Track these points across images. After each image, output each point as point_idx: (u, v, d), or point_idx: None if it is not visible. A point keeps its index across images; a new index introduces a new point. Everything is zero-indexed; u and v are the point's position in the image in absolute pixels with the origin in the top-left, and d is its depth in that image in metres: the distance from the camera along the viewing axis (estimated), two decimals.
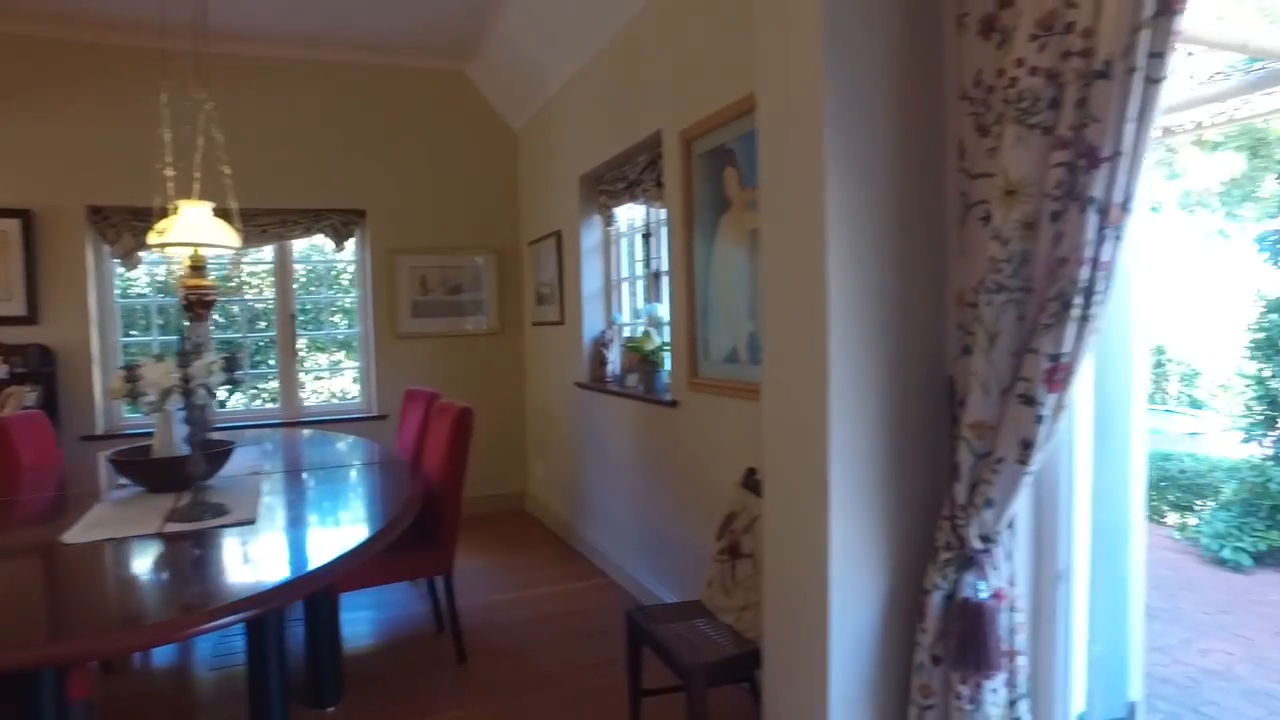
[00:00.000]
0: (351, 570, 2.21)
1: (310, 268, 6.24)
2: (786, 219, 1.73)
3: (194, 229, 3.01)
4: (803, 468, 1.69)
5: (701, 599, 2.48)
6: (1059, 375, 1.38)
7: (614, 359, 4.36)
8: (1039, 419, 1.41)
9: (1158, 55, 1.23)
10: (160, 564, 1.98)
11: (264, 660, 2.24)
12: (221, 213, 3.22)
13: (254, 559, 2.02)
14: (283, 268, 5.39)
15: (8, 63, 4.56)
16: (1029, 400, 1.42)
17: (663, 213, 3.62)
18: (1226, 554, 4.47)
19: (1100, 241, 1.33)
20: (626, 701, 2.49)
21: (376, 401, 5.47)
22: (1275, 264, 4.76)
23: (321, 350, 7.38)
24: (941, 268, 1.68)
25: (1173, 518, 5.30)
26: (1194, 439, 6.28)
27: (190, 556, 2.03)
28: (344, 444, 3.97)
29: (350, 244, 5.46)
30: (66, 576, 1.93)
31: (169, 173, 3.09)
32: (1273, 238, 4.78)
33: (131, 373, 2.43)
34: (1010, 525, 1.57)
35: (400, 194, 5.43)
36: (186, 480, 2.37)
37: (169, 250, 3.15)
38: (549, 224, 5.03)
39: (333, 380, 6.89)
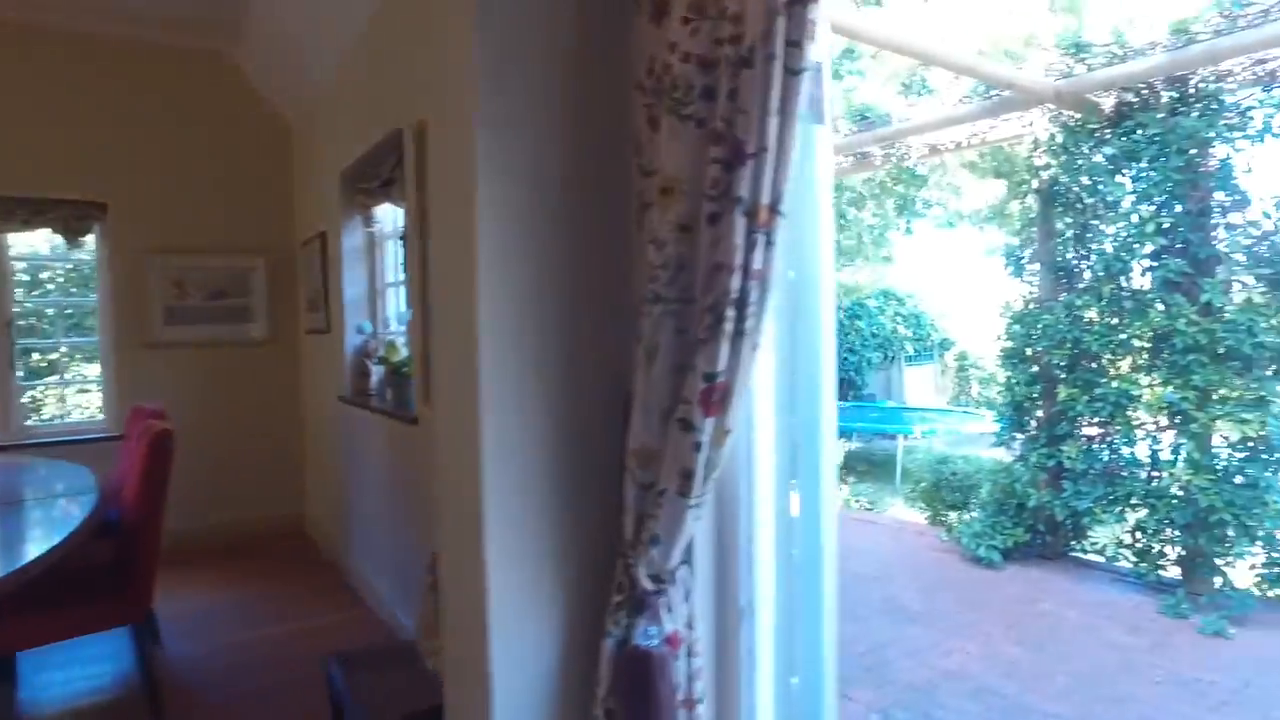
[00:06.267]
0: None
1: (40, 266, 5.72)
2: (443, 227, 1.63)
3: None
4: (460, 493, 1.56)
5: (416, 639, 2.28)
6: (715, 396, 1.31)
7: (378, 371, 4.14)
8: (697, 446, 1.33)
9: (795, 44, 1.20)
10: None
11: None
12: None
13: None
14: None
15: None
16: (687, 425, 1.33)
17: None
18: (981, 552, 4.73)
19: (750, 247, 1.27)
20: None
21: (120, 420, 4.52)
22: (1017, 277, 5.28)
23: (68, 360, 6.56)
24: (624, 274, 1.53)
25: (954, 517, 5.67)
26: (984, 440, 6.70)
27: None
28: (46, 471, 3.47)
29: (89, 241, 4.84)
30: None
31: None
32: (1015, 253, 5.33)
33: None
34: (688, 562, 1.50)
35: (152, 187, 4.85)
36: None
37: None
38: (316, 224, 4.74)
39: (80, 395, 6.14)
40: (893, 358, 16.67)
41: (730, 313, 1.32)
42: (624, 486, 1.49)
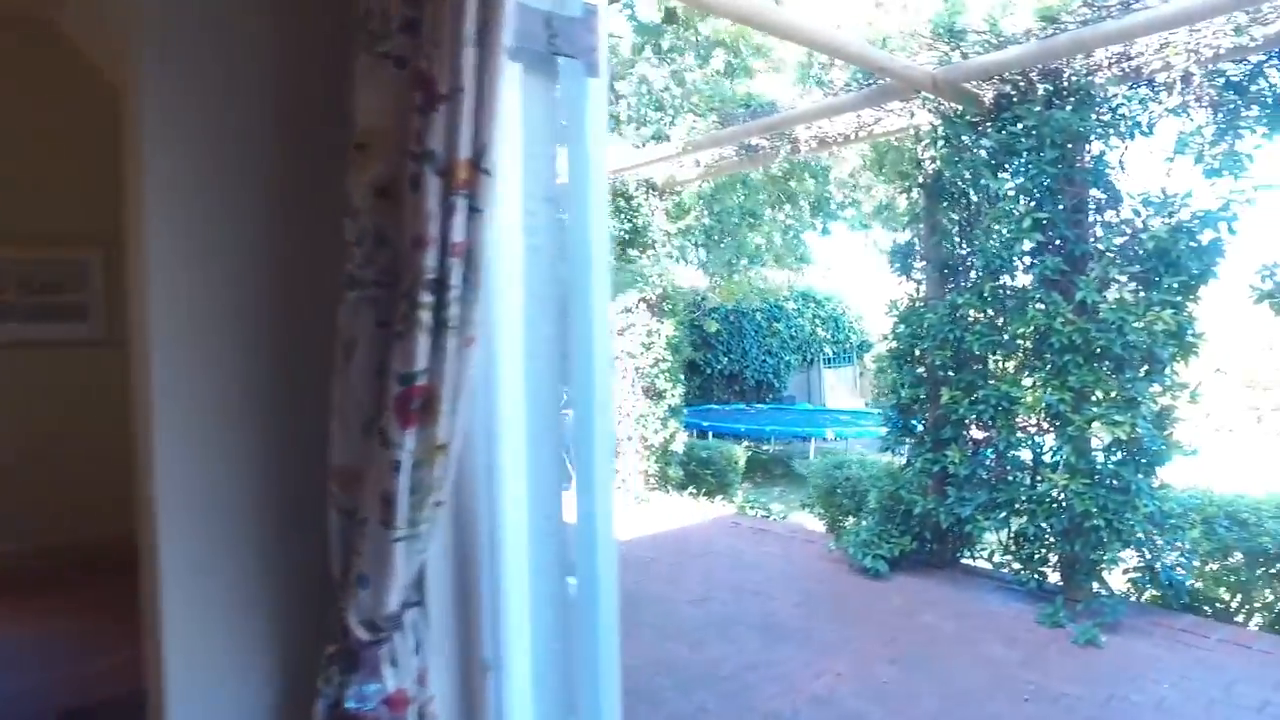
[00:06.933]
0: None
1: None
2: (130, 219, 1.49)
3: None
4: (142, 523, 1.41)
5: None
6: (415, 403, 1.08)
7: None
8: (396, 465, 1.09)
9: None
10: None
11: None
12: None
13: None
14: None
15: None
16: (385, 439, 1.10)
17: None
18: (868, 562, 4.55)
19: (448, 213, 1.04)
20: None
21: None
22: (904, 275, 5.04)
23: None
24: None
25: (850, 523, 5.45)
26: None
27: None
28: None
29: None
30: None
31: None
32: (901, 251, 5.04)
33: None
34: (420, 604, 1.25)
35: None
36: None
37: None
38: None
39: None
40: (812, 360, 16.79)
41: (427, 298, 1.07)
42: (328, 514, 1.23)
